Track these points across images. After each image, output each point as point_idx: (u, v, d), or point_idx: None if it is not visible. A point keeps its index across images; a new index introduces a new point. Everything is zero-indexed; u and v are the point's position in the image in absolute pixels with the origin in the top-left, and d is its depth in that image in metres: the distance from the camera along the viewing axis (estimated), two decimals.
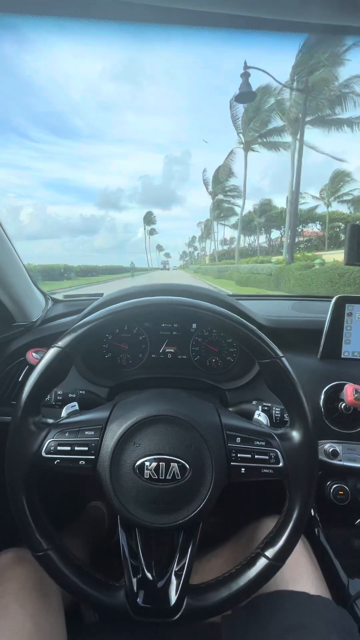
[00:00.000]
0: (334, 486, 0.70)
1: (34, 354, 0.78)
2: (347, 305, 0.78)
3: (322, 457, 0.70)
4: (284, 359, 0.46)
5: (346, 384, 0.70)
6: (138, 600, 0.43)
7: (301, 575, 0.54)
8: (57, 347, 0.45)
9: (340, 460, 0.70)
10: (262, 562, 0.44)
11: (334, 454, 0.69)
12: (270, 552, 0.44)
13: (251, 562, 0.45)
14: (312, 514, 0.73)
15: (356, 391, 0.67)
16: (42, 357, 0.46)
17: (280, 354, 0.46)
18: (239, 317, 0.47)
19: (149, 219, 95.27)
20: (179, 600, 0.43)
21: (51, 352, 0.45)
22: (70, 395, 0.69)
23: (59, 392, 0.69)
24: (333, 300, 0.78)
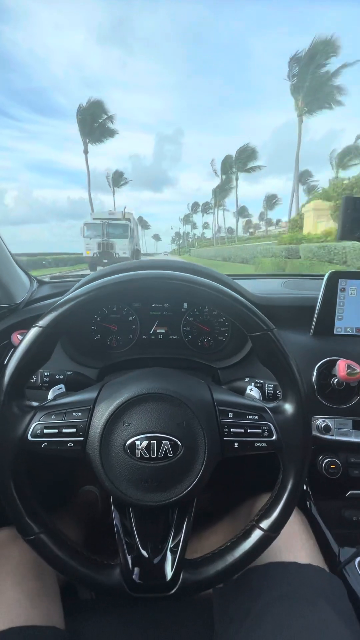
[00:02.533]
0: (326, 460, 0.71)
1: (19, 336, 0.75)
2: (340, 280, 0.76)
3: (314, 432, 0.70)
4: (275, 330, 0.45)
5: (338, 359, 0.70)
6: (134, 577, 0.43)
7: (296, 544, 0.55)
8: (38, 326, 0.43)
9: (332, 435, 0.70)
10: (257, 534, 0.45)
11: (326, 429, 0.70)
12: (265, 524, 0.45)
13: (246, 534, 0.45)
14: (305, 487, 0.74)
15: (348, 366, 0.66)
16: (23, 338, 0.43)
17: (271, 326, 0.45)
18: (228, 290, 0.45)
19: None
20: (175, 575, 0.43)
21: (32, 332, 0.43)
22: (57, 376, 0.68)
23: (45, 374, 0.67)
24: (326, 275, 0.77)
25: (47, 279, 1.06)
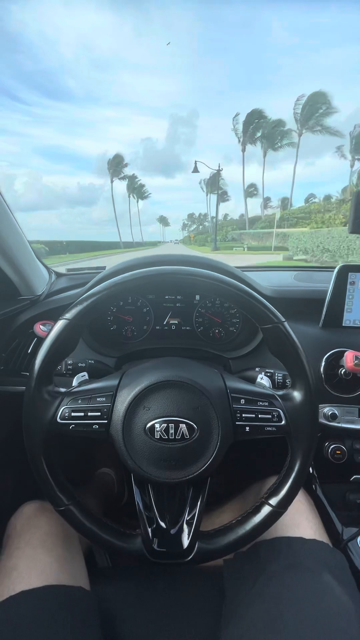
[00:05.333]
0: (332, 446, 0.74)
1: (41, 326, 0.79)
2: (350, 274, 0.78)
3: (321, 419, 0.73)
4: (285, 323, 0.47)
5: (346, 351, 0.72)
6: (154, 545, 0.47)
7: (302, 522, 0.59)
8: (65, 319, 0.46)
9: (339, 423, 0.73)
10: (266, 510, 0.49)
11: (333, 417, 0.73)
12: (273, 501, 0.48)
13: (256, 510, 0.49)
14: (311, 471, 0.78)
15: (356, 357, 0.69)
16: (50, 330, 0.47)
17: (282, 318, 0.48)
18: (241, 284, 0.48)
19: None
20: (191, 544, 0.47)
21: (59, 324, 0.47)
22: (80, 364, 0.72)
23: (69, 362, 0.72)
24: (336, 268, 0.78)
25: (64, 271, 1.10)
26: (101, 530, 0.48)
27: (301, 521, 0.60)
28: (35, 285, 0.87)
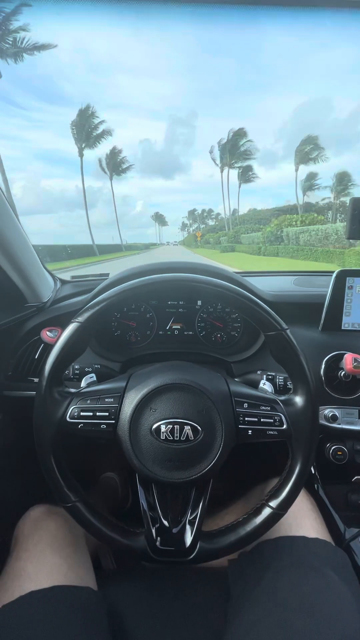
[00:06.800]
0: (333, 447, 0.76)
1: (48, 332, 0.81)
2: (347, 278, 0.80)
3: (322, 421, 0.75)
4: (288, 331, 0.49)
5: (346, 353, 0.74)
6: (157, 543, 0.49)
7: (304, 522, 0.61)
8: (77, 321, 0.49)
9: (339, 424, 0.75)
10: (266, 512, 0.50)
11: (334, 419, 0.74)
12: (274, 503, 0.50)
13: (257, 512, 0.51)
14: (313, 471, 0.80)
15: (355, 360, 0.71)
16: (63, 332, 0.49)
17: (285, 326, 0.49)
18: (245, 292, 0.50)
19: None
20: (193, 543, 0.49)
21: (72, 327, 0.49)
22: (86, 369, 0.74)
23: (76, 367, 0.74)
24: (334, 273, 0.80)
25: (68, 279, 1.12)
26: (107, 527, 0.50)
27: (304, 521, 0.61)
28: (41, 293, 0.89)
